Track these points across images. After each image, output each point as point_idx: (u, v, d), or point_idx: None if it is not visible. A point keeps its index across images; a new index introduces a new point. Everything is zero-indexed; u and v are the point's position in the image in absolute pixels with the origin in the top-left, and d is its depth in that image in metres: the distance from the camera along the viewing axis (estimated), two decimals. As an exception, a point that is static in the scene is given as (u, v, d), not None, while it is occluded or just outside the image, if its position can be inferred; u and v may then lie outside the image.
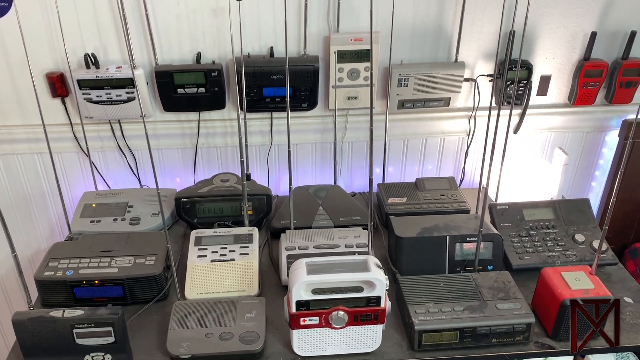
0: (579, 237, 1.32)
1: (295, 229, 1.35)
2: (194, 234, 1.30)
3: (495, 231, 1.27)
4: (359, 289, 1.02)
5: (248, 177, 1.52)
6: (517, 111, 1.57)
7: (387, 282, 1.02)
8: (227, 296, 1.19)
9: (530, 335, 1.09)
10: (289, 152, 1.23)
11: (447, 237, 1.24)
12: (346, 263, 1.03)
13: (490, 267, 1.25)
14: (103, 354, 1.03)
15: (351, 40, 1.41)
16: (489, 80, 1.53)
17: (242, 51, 1.29)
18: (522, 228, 1.34)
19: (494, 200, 1.48)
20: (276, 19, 1.40)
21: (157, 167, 1.58)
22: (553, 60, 1.53)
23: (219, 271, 1.23)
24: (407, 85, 1.48)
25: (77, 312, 0.99)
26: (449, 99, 1.52)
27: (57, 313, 0.98)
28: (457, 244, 1.24)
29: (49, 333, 0.99)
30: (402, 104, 1.51)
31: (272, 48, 1.43)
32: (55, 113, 1.47)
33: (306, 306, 1.01)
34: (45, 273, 1.17)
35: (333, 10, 1.40)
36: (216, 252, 1.26)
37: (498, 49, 1.37)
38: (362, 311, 1.03)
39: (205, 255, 1.26)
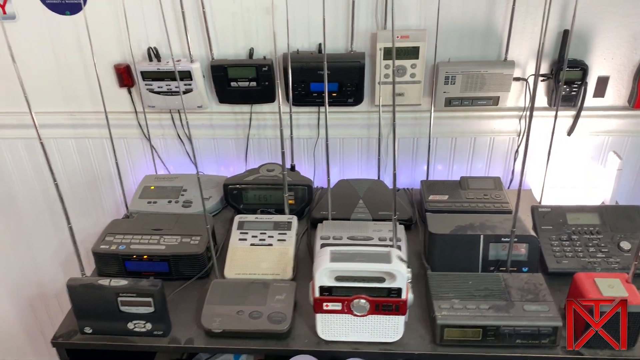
0: (625, 245, 1.27)
1: (333, 220, 1.39)
2: (237, 218, 1.39)
3: (532, 233, 1.25)
4: (380, 280, 1.05)
5: (293, 168, 1.58)
6: (571, 113, 1.53)
7: (409, 275, 1.04)
8: (263, 278, 1.26)
9: (557, 339, 1.07)
10: (327, 145, 1.28)
11: (482, 236, 1.23)
12: (369, 254, 1.06)
13: (525, 269, 1.24)
14: (144, 322, 1.12)
15: (398, 37, 1.43)
16: (541, 80, 1.50)
17: (288, 47, 1.35)
18: (564, 232, 1.31)
19: (538, 202, 1.45)
20: (325, 17, 1.44)
21: (212, 155, 1.69)
22: (612, 61, 1.46)
23: (257, 254, 1.30)
24: (454, 83, 1.48)
25: (122, 282, 1.09)
26: (498, 98, 1.50)
27: (104, 281, 1.09)
28: (492, 243, 1.24)
29: (97, 299, 1.10)
30: (449, 102, 1.51)
31: (320, 44, 1.48)
32: (121, 101, 1.60)
33: (329, 292, 1.06)
34: (101, 246, 1.29)
35: (381, 8, 1.43)
36: (256, 236, 1.34)
37: (540, 48, 1.34)
38: (384, 301, 1.06)
39: (245, 239, 1.33)
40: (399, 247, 1.28)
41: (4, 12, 1.48)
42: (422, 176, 1.65)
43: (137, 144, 1.68)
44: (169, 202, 1.52)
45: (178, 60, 1.49)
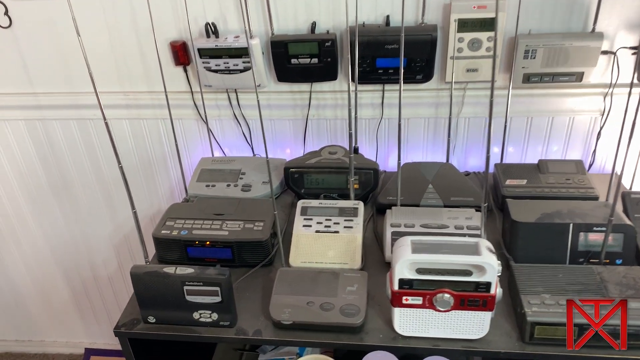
0: None
1: (401, 206, 1.30)
2: (300, 203, 1.31)
3: (628, 222, 1.13)
4: (467, 273, 0.96)
5: (356, 150, 1.49)
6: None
7: (500, 267, 0.95)
8: (330, 267, 1.18)
9: (664, 341, 0.97)
10: (399, 125, 1.19)
11: (571, 224, 1.13)
12: (455, 244, 0.97)
13: (618, 262, 1.13)
14: (210, 312, 1.07)
15: (474, 7, 1.32)
16: (632, 54, 1.36)
17: (357, 19, 1.26)
18: (662, 221, 1.19)
19: (628, 188, 1.32)
20: (394, -14, 1.34)
21: (268, 137, 1.62)
22: None
23: (323, 242, 1.23)
24: (534, 58, 1.35)
25: (188, 270, 1.03)
26: (582, 73, 1.37)
27: (170, 269, 1.04)
28: (582, 233, 1.13)
29: (162, 287, 1.05)
30: (527, 78, 1.39)
31: (388, 17, 1.38)
32: (177, 81, 1.54)
33: (409, 285, 0.98)
34: (163, 231, 1.24)
35: (456, -24, 1.31)
36: (321, 223, 1.26)
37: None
38: (470, 296, 0.97)
39: (310, 225, 1.26)
40: (478, 236, 1.19)
41: (58, -11, 1.43)
42: (493, 159, 1.54)
43: (192, 125, 1.62)
44: (228, 185, 1.45)
45: (237, 37, 1.42)
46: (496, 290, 0.97)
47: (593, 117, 1.47)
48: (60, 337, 2.28)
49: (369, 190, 1.40)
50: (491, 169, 1.48)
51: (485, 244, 0.97)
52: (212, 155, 1.61)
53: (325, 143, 1.59)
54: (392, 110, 1.52)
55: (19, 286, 2.11)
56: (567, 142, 1.52)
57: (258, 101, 1.01)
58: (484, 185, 1.01)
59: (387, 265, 1.21)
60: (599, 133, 1.48)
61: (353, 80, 1.36)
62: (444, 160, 1.52)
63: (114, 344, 2.24)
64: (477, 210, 1.26)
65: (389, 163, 1.61)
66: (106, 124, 0.99)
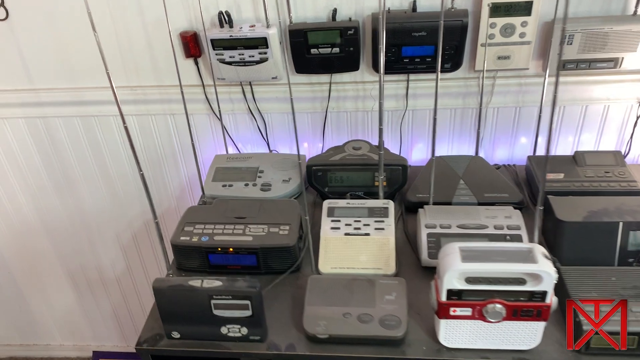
0: None
1: (433, 204, 1.23)
2: (326, 204, 1.23)
3: (683, 219, 1.07)
4: (521, 282, 0.88)
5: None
6: None
7: (557, 275, 0.88)
8: (363, 273, 1.11)
9: None
10: (435, 118, 1.12)
11: (621, 223, 1.06)
12: (507, 251, 0.90)
13: (671, 262, 1.06)
14: (239, 326, 0.99)
15: (508, -10, 1.23)
16: (674, 37, 1.28)
17: (384, 4, 1.16)
18: None
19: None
20: (422, -32, 1.25)
21: (285, 131, 1.53)
22: None
23: (353, 246, 1.15)
24: (571, 43, 1.27)
25: (216, 283, 0.95)
26: (621, 59, 1.29)
27: (196, 282, 0.96)
28: (632, 231, 1.06)
29: (187, 302, 0.97)
30: (563, 65, 1.30)
31: (414, 2, 1.29)
32: (188, 74, 1.44)
33: (458, 296, 0.90)
34: (181, 238, 1.15)
35: (489, -43, 1.22)
36: (350, 224, 1.18)
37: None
38: (524, 306, 0.90)
39: (338, 228, 1.18)
40: (519, 237, 1.12)
41: (58, -23, 1.33)
42: (521, 151, 1.47)
43: (203, 120, 1.53)
44: (246, 185, 1.37)
45: (252, 26, 1.32)
46: (552, 299, 0.89)
47: (629, 105, 1.39)
48: (66, 340, 2.20)
49: (397, 187, 1.32)
50: (518, 162, 1.41)
51: (540, 249, 0.89)
52: (226, 152, 1.52)
53: (345, 137, 1.52)
54: (416, 101, 1.43)
55: (22, 289, 2.02)
56: (600, 132, 1.45)
57: (291, 93, 0.96)
58: (541, 184, 0.94)
59: (423, 270, 1.14)
60: (636, 122, 1.40)
61: (378, 70, 1.28)
62: (471, 153, 1.44)
63: (123, 346, 2.18)
64: (515, 208, 1.19)
65: (412, 157, 1.53)
66: (125, 128, 0.91)
